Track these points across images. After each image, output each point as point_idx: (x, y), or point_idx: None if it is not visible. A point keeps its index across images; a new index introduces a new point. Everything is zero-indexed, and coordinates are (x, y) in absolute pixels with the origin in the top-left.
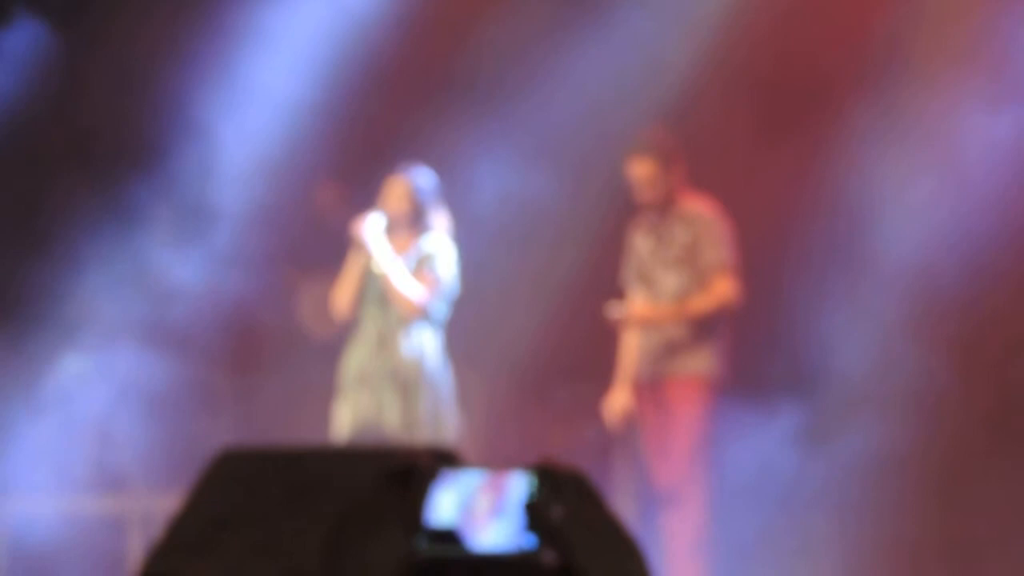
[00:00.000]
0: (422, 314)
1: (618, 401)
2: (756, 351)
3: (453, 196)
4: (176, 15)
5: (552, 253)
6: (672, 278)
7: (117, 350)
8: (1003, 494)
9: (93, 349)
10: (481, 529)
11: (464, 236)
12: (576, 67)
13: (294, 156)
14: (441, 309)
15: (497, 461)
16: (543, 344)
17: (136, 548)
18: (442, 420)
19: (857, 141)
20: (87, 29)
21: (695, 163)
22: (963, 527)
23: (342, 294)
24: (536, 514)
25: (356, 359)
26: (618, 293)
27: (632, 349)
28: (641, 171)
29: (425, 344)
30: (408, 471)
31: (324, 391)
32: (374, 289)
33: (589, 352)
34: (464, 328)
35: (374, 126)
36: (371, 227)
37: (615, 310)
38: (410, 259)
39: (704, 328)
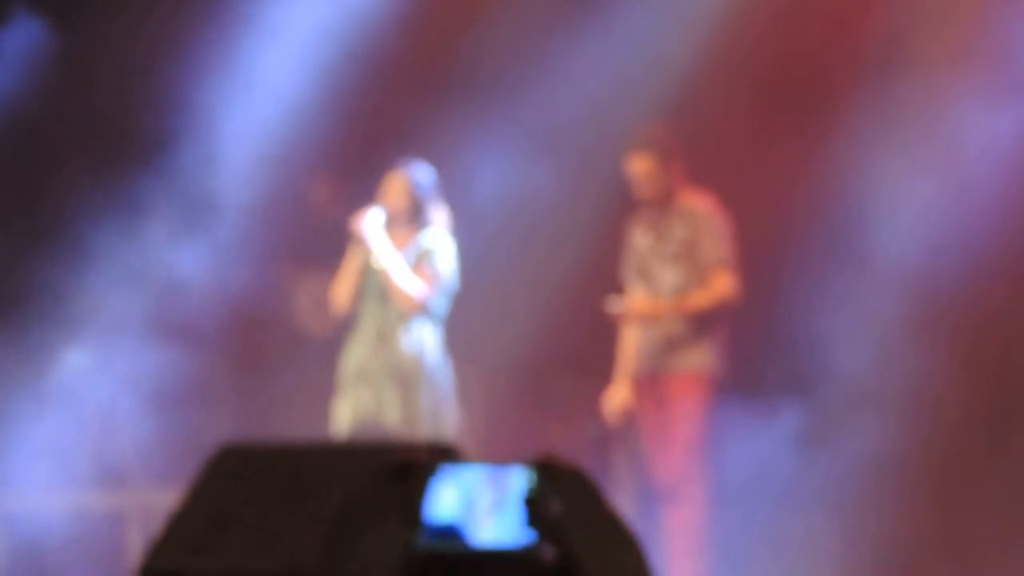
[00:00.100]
0: (422, 310)
1: (618, 396)
2: (755, 350)
3: (453, 192)
4: (178, 9)
5: (551, 249)
6: (671, 274)
7: (118, 345)
8: (1002, 493)
9: (94, 344)
10: (481, 524)
11: (464, 232)
12: (576, 63)
13: (293, 152)
14: (441, 304)
15: (497, 456)
16: (543, 340)
17: (136, 543)
18: (442, 416)
19: (857, 139)
20: (90, 22)
21: (695, 159)
22: (963, 526)
23: (341, 289)
24: (535, 509)
25: (356, 355)
26: (617, 289)
27: (632, 344)
28: (640, 167)
29: (425, 340)
30: (407, 467)
31: (324, 387)
32: (374, 285)
33: (589, 347)
34: (464, 324)
35: (374, 121)
36: (371, 222)
37: (614, 305)
38: (409, 255)
39: (703, 324)
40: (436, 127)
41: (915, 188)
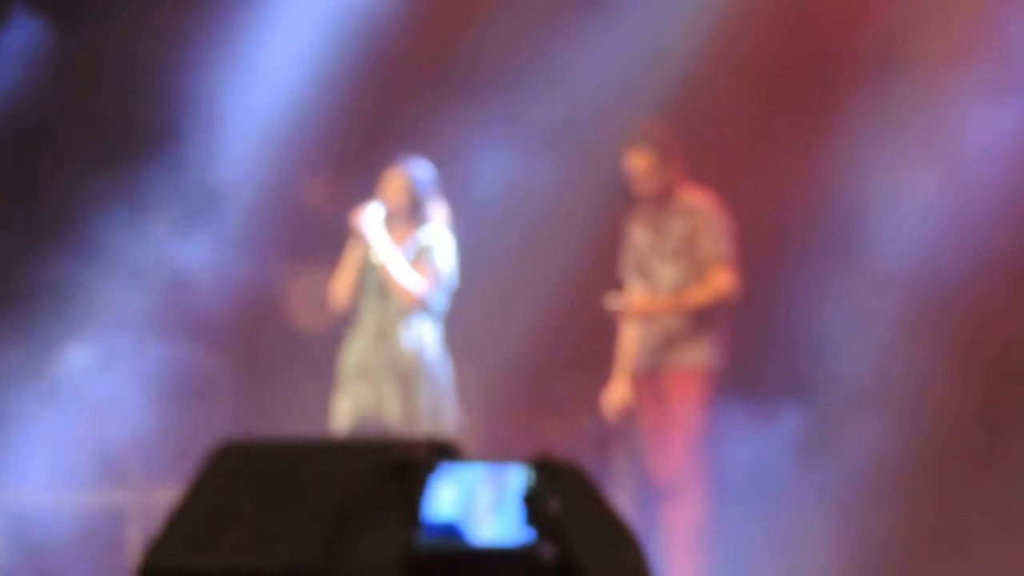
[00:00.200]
0: (421, 305)
1: (617, 393)
2: (755, 349)
3: (452, 189)
4: (179, 6)
5: (551, 246)
6: (670, 270)
7: (118, 341)
8: (1002, 493)
9: (94, 341)
10: (480, 523)
11: (463, 229)
12: (576, 61)
13: (294, 149)
14: (440, 301)
15: (496, 454)
16: (542, 337)
17: (135, 540)
18: (441, 412)
19: (857, 138)
20: (93, 16)
21: (695, 158)
22: (962, 525)
23: (341, 285)
24: (534, 508)
25: (355, 351)
26: (617, 285)
27: (631, 341)
28: (639, 163)
29: (424, 336)
30: (407, 465)
31: (324, 383)
32: (373, 281)
33: (588, 345)
34: (463, 321)
35: (374, 118)
36: (370, 217)
37: (613, 302)
38: (408, 251)
39: (702, 320)
40: (436, 124)
41: (915, 188)
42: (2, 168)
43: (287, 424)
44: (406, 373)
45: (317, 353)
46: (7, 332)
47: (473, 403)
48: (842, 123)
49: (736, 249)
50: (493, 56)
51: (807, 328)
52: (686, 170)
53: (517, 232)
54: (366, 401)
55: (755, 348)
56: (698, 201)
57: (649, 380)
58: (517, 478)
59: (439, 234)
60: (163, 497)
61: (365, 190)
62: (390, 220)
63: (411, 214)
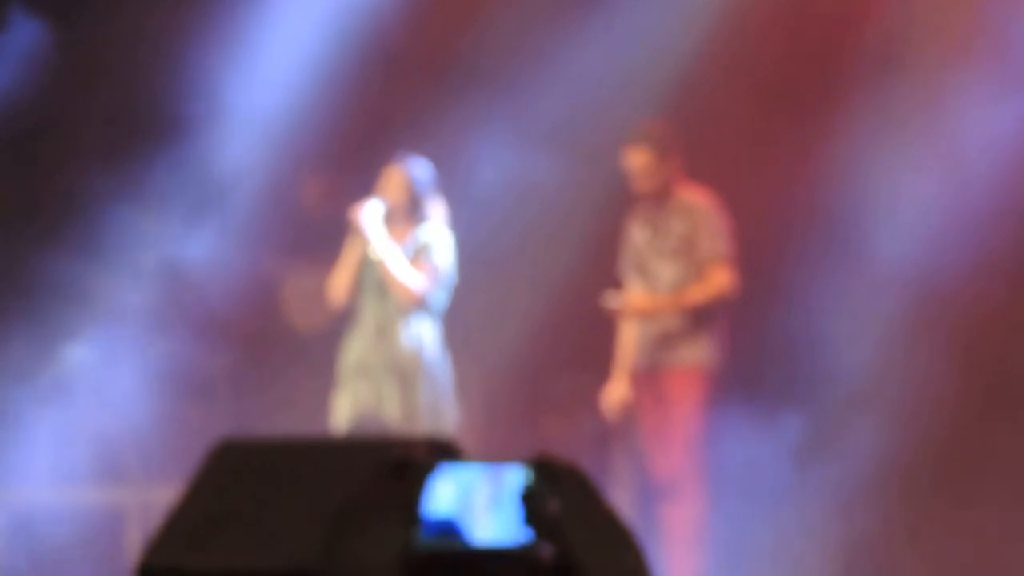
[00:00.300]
0: (420, 302)
1: (616, 392)
2: (754, 349)
3: (452, 187)
4: (180, 2)
5: (550, 245)
6: (669, 269)
7: (117, 340)
8: (1002, 492)
9: (93, 339)
10: (479, 523)
11: (462, 227)
12: (577, 59)
13: (294, 147)
14: (439, 298)
15: (495, 452)
16: (541, 336)
17: (135, 539)
18: (441, 411)
19: (857, 137)
20: (94, 14)
21: (694, 157)
22: (962, 525)
23: (339, 281)
24: (533, 507)
25: (355, 350)
26: (615, 284)
27: (630, 340)
28: (637, 161)
29: (424, 335)
30: (406, 463)
31: (323, 381)
32: (372, 279)
33: (587, 343)
34: (463, 319)
35: (374, 116)
36: (370, 213)
37: (612, 301)
38: (407, 249)
39: (701, 319)
40: (436, 122)
41: (915, 187)
42: (4, 166)
43: (287, 423)
44: (405, 372)
45: (317, 352)
46: (7, 330)
47: (472, 402)
48: (842, 123)
49: (735, 248)
50: (493, 55)
51: (807, 328)
52: (685, 169)
53: (517, 231)
54: (365, 400)
55: (755, 347)
56: (697, 200)
57: (648, 379)
58: (516, 478)
59: (438, 232)
60: (163, 496)
61: (364, 188)
62: (389, 218)
63: (410, 212)
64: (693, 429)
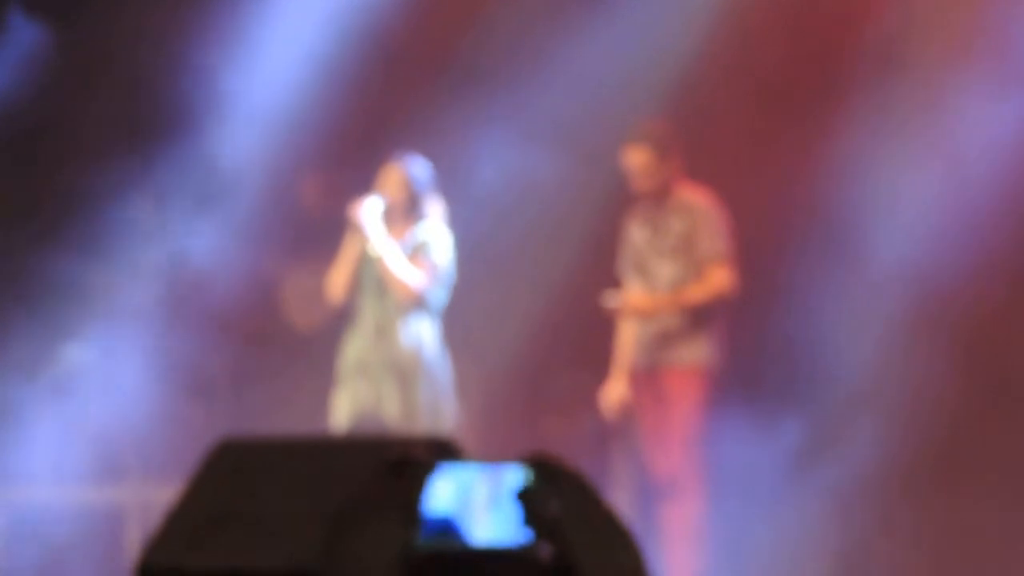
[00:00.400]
0: (419, 300)
1: (615, 391)
2: (754, 348)
3: (452, 185)
4: (180, 3)
5: (550, 243)
6: (668, 268)
7: (117, 339)
8: (1002, 491)
9: (93, 338)
10: (478, 523)
11: (462, 226)
12: (577, 58)
13: (293, 144)
14: (438, 296)
15: (494, 451)
16: (540, 335)
17: (135, 539)
18: (441, 410)
19: (857, 137)
20: (94, 13)
21: (694, 157)
22: (962, 524)
23: (337, 278)
24: (532, 508)
25: (354, 348)
26: (615, 283)
27: (629, 339)
28: (637, 160)
29: (423, 333)
30: (406, 463)
31: (323, 380)
32: (371, 277)
33: (586, 343)
34: (462, 318)
35: (373, 114)
36: (369, 210)
37: (611, 300)
38: (405, 247)
39: (700, 318)
40: (437, 121)
41: (915, 187)
42: (4, 166)
43: (286, 422)
44: (405, 371)
45: (316, 351)
46: (7, 329)
47: (472, 400)
48: (842, 123)
49: (734, 247)
50: (493, 54)
51: (807, 328)
52: (685, 169)
53: (516, 230)
54: (365, 399)
55: (755, 347)
56: (696, 199)
57: (647, 378)
58: (514, 478)
59: (436, 230)
60: (162, 495)
61: (364, 186)
62: (387, 216)
63: (408, 211)
64: (692, 428)
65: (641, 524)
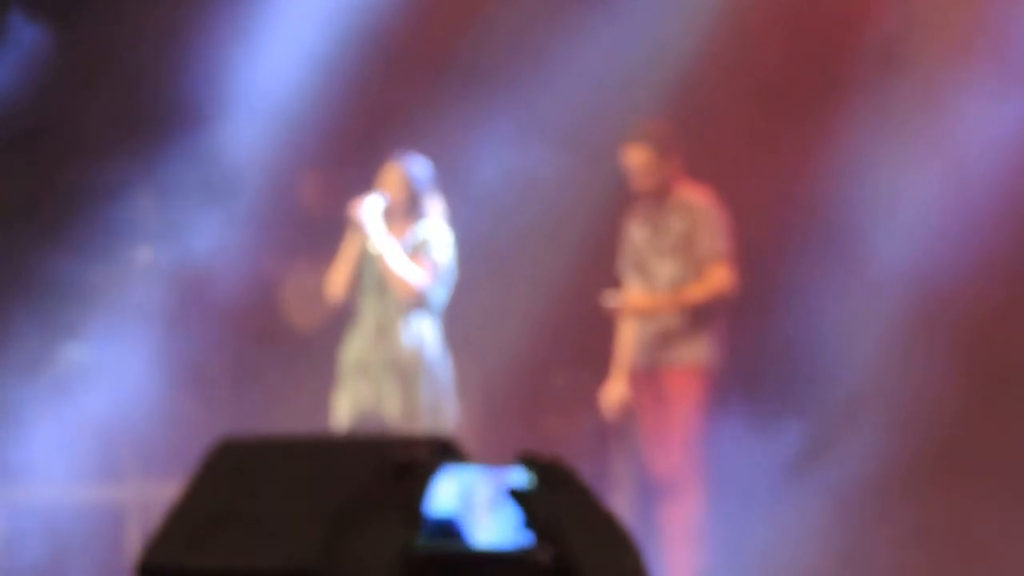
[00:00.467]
0: (420, 298)
1: (615, 391)
2: (754, 348)
3: (452, 184)
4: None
5: (551, 243)
6: (668, 267)
7: (117, 339)
8: (1002, 491)
9: (93, 338)
10: (478, 524)
11: (462, 225)
12: (578, 57)
13: (293, 144)
14: (438, 295)
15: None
16: (540, 334)
17: (135, 538)
18: (441, 409)
19: (857, 137)
20: (94, 13)
21: (694, 157)
22: (962, 524)
23: (337, 277)
24: (531, 509)
25: (355, 348)
26: (615, 283)
27: (629, 339)
28: (637, 159)
29: (424, 333)
30: (407, 463)
31: (324, 380)
32: (372, 277)
33: (586, 342)
34: (463, 317)
35: (375, 112)
36: (369, 209)
37: (611, 300)
38: (406, 245)
39: (700, 317)
40: (437, 120)
41: (914, 187)
42: (5, 165)
43: (287, 421)
44: (406, 370)
45: (317, 350)
46: (8, 328)
47: (473, 400)
48: (842, 123)
49: (734, 246)
50: (493, 53)
51: (807, 328)
52: (685, 168)
53: (516, 229)
54: (366, 398)
55: (755, 347)
56: (696, 198)
57: (647, 378)
58: (515, 479)
59: (436, 229)
60: (162, 495)
61: (364, 185)
62: (387, 215)
63: (408, 209)
64: (692, 428)
65: (641, 524)
